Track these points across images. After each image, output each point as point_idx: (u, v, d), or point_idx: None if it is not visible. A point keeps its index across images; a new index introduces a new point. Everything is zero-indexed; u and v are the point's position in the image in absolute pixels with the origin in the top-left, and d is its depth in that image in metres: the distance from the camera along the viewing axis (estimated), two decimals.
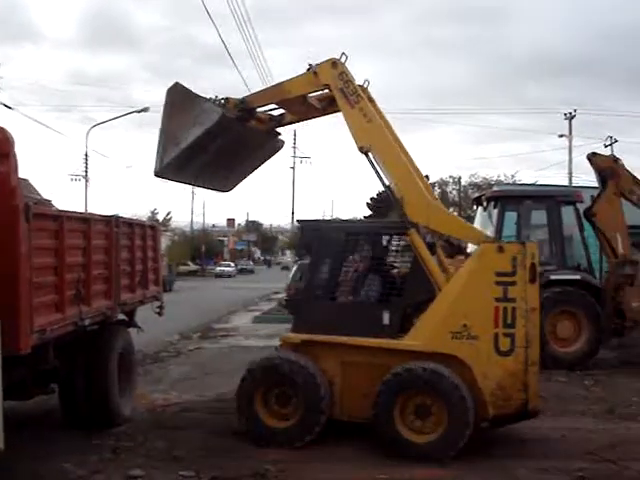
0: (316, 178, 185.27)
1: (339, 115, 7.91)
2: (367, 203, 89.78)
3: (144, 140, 71.30)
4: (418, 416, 7.22)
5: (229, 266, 69.91)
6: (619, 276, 13.21)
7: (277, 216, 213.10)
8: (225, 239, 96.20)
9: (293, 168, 74.57)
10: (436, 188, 50.98)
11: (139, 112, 40.21)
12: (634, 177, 13.42)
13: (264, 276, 61.49)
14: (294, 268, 22.17)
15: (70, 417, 8.07)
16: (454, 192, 54.64)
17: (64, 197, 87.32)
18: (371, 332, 7.58)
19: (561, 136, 44.85)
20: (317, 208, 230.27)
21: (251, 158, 9.19)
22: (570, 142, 43.78)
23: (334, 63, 7.74)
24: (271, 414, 7.60)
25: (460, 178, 54.18)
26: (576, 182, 33.48)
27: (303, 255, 14.11)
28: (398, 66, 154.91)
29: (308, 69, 7.91)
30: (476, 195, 17.15)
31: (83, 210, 21.36)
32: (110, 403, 8.01)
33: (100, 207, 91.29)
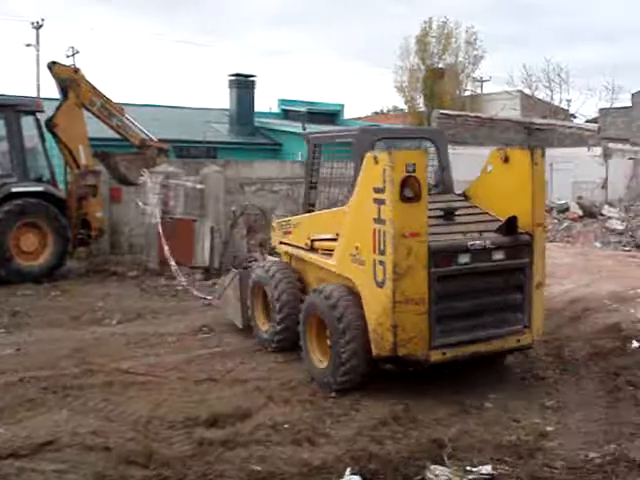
0: None
1: None
2: None
3: None
4: (318, 341, 6.72)
5: None
6: (82, 187, 13.29)
7: None
8: None
9: None
10: None
11: None
12: (95, 88, 13.39)
13: None
14: None
15: None
16: None
17: None
18: None
19: (28, 45, 41.48)
20: None
21: None
22: (38, 52, 40.96)
23: None
24: (264, 320, 8.10)
25: None
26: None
27: None
28: None
29: None
30: None
31: None
32: None
33: None
